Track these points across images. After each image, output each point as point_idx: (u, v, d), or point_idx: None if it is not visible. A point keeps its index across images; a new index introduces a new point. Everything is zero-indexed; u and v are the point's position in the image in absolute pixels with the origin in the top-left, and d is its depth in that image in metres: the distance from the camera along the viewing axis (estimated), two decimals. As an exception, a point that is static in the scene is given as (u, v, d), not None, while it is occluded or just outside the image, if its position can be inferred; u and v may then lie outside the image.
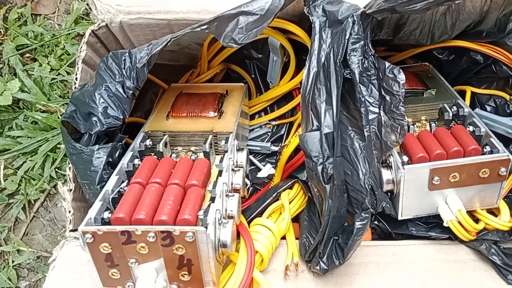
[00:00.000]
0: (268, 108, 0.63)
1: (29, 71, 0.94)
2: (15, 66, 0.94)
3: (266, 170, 0.58)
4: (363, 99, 0.42)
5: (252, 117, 0.63)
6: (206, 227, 0.35)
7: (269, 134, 0.63)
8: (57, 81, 0.94)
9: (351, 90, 0.43)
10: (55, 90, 0.94)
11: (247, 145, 0.61)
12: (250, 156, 0.62)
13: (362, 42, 0.41)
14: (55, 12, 1.02)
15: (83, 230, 0.35)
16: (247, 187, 0.57)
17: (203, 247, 0.35)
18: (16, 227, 0.91)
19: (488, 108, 0.54)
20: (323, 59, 0.42)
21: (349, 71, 0.42)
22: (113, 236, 0.35)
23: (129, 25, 0.50)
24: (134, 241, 0.35)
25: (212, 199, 0.39)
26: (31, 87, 0.92)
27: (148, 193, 0.39)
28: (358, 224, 0.39)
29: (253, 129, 0.63)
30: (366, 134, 0.42)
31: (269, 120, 0.63)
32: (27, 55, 0.97)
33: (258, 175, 0.58)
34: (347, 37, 0.41)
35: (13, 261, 0.87)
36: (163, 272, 0.37)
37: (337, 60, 0.40)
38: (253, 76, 0.63)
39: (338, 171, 0.40)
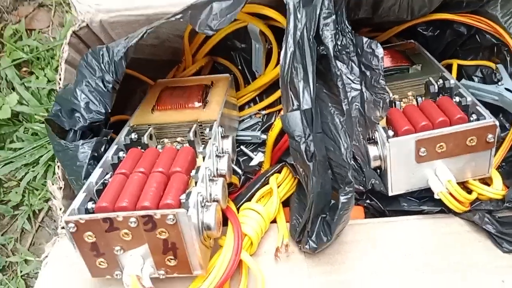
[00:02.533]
0: (257, 98, 0.63)
1: (26, 84, 0.95)
2: (12, 80, 0.95)
3: (257, 159, 0.58)
4: (339, 72, 0.41)
5: (241, 108, 0.63)
6: (187, 209, 0.35)
7: (260, 123, 0.63)
8: (54, 92, 0.95)
9: (329, 66, 0.42)
10: (53, 100, 0.95)
11: (238, 135, 0.61)
12: (242, 147, 0.62)
13: (334, 16, 0.41)
14: (49, 26, 1.03)
15: (65, 220, 0.35)
16: (239, 177, 0.57)
17: (186, 229, 0.35)
18: (22, 237, 0.92)
19: (476, 79, 0.53)
20: (298, 38, 0.42)
21: (323, 48, 0.42)
22: (95, 224, 0.35)
23: (110, 23, 0.51)
24: (117, 228, 0.35)
25: (195, 184, 0.39)
26: (29, 99, 0.94)
27: (131, 182, 0.39)
28: (342, 198, 0.39)
29: (243, 120, 0.63)
30: (345, 108, 0.41)
31: (259, 110, 0.63)
32: (24, 69, 0.99)
33: (250, 164, 0.58)
34: (318, 13, 0.41)
35: (21, 271, 0.88)
36: (150, 259, 0.37)
37: (310, 37, 0.40)
38: (240, 67, 0.63)
39: (319, 147, 0.40)
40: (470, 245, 0.44)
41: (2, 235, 0.91)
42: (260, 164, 0.57)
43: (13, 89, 0.95)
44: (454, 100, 0.48)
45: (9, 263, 0.89)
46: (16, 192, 0.92)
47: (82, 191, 0.39)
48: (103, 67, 0.44)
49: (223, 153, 0.46)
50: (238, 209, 0.46)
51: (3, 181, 0.95)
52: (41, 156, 0.93)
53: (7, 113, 0.91)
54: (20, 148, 0.95)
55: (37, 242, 0.91)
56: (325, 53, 0.42)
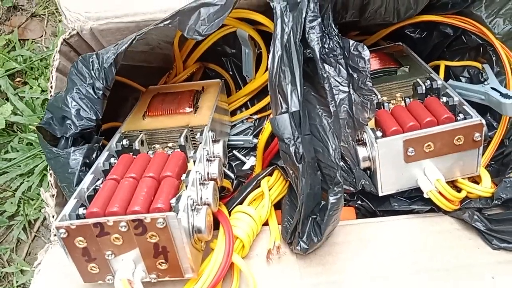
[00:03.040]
0: (248, 102, 0.64)
1: (20, 95, 0.96)
2: (6, 90, 0.96)
3: (249, 163, 0.58)
4: (325, 75, 0.42)
5: (233, 113, 0.64)
6: (177, 213, 0.35)
7: (252, 128, 0.63)
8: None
9: (316, 69, 0.43)
10: (47, 110, 0.96)
11: (230, 140, 0.61)
12: (235, 151, 0.62)
13: (319, 19, 0.42)
14: (42, 36, 1.04)
15: (56, 225, 0.35)
16: (231, 181, 0.57)
17: (176, 233, 0.35)
18: (18, 248, 0.92)
19: (463, 80, 0.54)
20: (285, 42, 0.43)
21: (310, 51, 0.42)
22: (86, 229, 0.36)
23: (100, 31, 0.51)
24: (107, 232, 0.36)
25: (185, 187, 0.39)
26: (23, 109, 0.94)
27: (122, 187, 0.39)
28: (332, 199, 0.39)
29: (235, 125, 0.63)
30: (332, 109, 0.42)
31: (250, 115, 0.63)
32: (18, 79, 0.99)
33: (242, 168, 0.58)
34: (303, 16, 0.41)
35: (17, 282, 0.88)
36: (141, 263, 0.37)
37: (297, 40, 0.41)
38: (231, 73, 0.64)
39: (308, 149, 0.40)
40: (461, 243, 0.44)
41: (-3, 245, 0.91)
42: (252, 168, 0.57)
43: (7, 99, 0.95)
44: (441, 100, 0.48)
45: (5, 274, 0.89)
46: (12, 203, 0.92)
47: (73, 197, 0.39)
48: (93, 74, 0.44)
49: (214, 157, 0.47)
50: (230, 213, 0.46)
51: (-2, 192, 0.95)
52: (36, 166, 0.93)
53: (1, 124, 0.91)
54: (15, 158, 0.95)
55: (33, 252, 0.91)
56: (311, 56, 0.43)
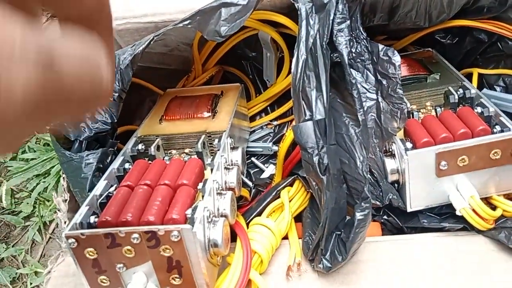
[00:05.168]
0: (268, 108, 0.62)
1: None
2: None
3: (268, 171, 0.56)
4: (353, 81, 0.39)
5: (252, 118, 0.62)
6: (193, 225, 0.33)
7: (271, 134, 0.61)
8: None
9: (343, 74, 0.40)
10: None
11: (249, 146, 0.59)
12: (253, 158, 0.60)
13: (348, 22, 0.39)
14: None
15: (66, 235, 0.34)
16: (249, 189, 0.55)
17: (191, 246, 0.33)
18: (33, 249, 0.91)
19: (498, 89, 0.51)
20: (311, 45, 0.40)
21: (337, 55, 0.40)
22: (97, 240, 0.34)
23: (118, 31, 0.50)
24: (119, 244, 0.34)
25: (202, 197, 0.37)
26: (41, 109, 0.94)
27: (135, 195, 0.38)
28: (358, 215, 0.36)
29: (254, 131, 0.61)
30: (360, 118, 0.39)
31: (270, 120, 0.61)
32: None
33: (261, 177, 0.56)
34: (331, 18, 0.39)
35: (31, 283, 0.87)
36: (153, 277, 0.35)
37: (323, 43, 0.39)
38: (251, 76, 0.62)
39: (333, 159, 0.38)
40: (495, 265, 0.41)
41: (13, 246, 0.91)
42: (271, 177, 0.55)
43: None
44: (475, 110, 0.45)
45: (19, 275, 0.89)
46: (28, 203, 0.92)
47: (85, 204, 0.38)
48: (109, 76, 0.43)
49: (232, 165, 0.45)
50: (247, 224, 0.44)
51: (14, 192, 0.95)
52: (53, 167, 0.93)
53: (19, 124, 0.91)
54: (32, 159, 0.95)
55: (48, 254, 0.90)
56: (339, 60, 0.40)
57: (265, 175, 0.55)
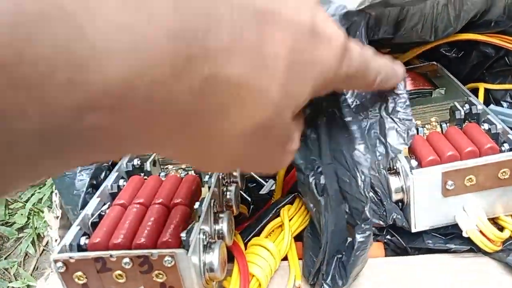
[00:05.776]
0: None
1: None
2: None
3: (267, 186, 0.54)
4: (354, 95, 0.38)
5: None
6: (188, 249, 0.31)
7: (271, 148, 0.59)
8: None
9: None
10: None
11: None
12: (253, 173, 0.58)
13: (352, 36, 0.38)
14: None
15: (54, 259, 0.32)
16: (248, 205, 0.53)
17: (185, 272, 0.32)
18: (26, 261, 0.89)
19: (505, 105, 0.49)
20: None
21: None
22: (87, 264, 0.32)
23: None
24: (110, 268, 0.32)
25: (198, 218, 0.35)
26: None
27: (128, 215, 0.36)
28: (359, 237, 0.35)
29: (253, 145, 0.59)
30: (362, 134, 0.38)
31: (270, 134, 0.59)
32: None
33: (260, 192, 0.54)
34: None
35: (23, 297, 0.85)
36: (146, 303, 0.33)
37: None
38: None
39: (330, 179, 0.36)
40: (504, 289, 0.39)
41: (5, 258, 0.89)
42: (270, 193, 0.53)
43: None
44: (482, 127, 0.44)
45: (11, 288, 0.87)
46: (22, 214, 0.90)
47: (75, 224, 0.36)
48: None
49: (231, 182, 0.43)
50: (245, 244, 0.42)
51: (9, 202, 0.93)
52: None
53: (14, 133, 0.90)
54: (27, 169, 0.93)
55: (41, 267, 0.88)
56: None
57: (264, 190, 0.54)
